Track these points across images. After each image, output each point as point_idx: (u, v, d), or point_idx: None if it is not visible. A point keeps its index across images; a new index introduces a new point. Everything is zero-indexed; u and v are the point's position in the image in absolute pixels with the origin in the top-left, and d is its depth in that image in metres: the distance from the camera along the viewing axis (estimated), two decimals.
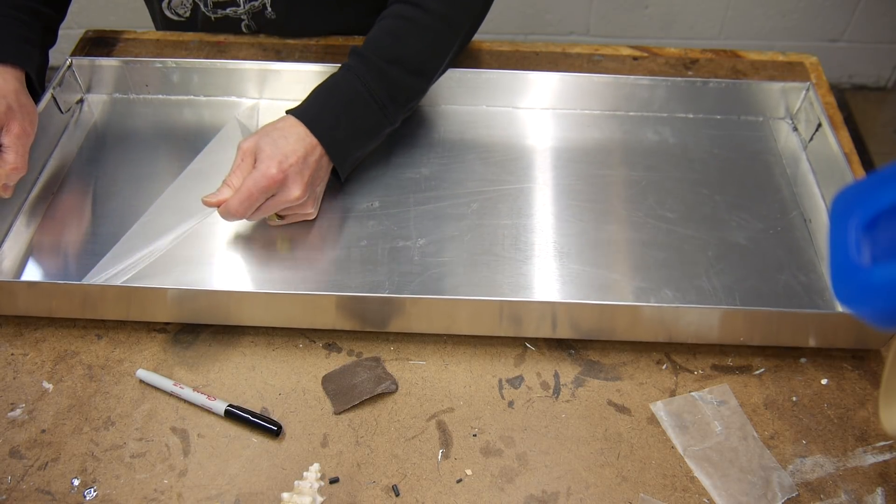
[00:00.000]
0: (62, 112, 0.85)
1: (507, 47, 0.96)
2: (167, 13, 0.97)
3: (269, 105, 0.88)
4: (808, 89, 0.84)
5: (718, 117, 0.87)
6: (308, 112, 0.73)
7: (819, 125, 0.81)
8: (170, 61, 0.87)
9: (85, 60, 0.87)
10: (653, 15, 1.91)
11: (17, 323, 0.70)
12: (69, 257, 0.73)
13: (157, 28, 1.04)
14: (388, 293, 0.69)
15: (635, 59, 0.95)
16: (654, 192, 0.79)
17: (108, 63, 0.88)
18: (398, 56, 0.74)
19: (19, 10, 0.78)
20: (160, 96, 0.89)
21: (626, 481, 0.60)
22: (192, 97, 0.89)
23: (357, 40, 0.96)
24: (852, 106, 2.09)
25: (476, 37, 0.86)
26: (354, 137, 0.75)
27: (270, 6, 0.92)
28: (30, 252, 0.74)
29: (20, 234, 0.75)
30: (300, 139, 0.71)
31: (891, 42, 2.02)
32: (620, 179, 0.81)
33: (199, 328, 0.70)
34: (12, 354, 0.68)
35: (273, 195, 0.70)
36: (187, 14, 0.96)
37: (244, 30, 0.97)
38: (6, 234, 0.75)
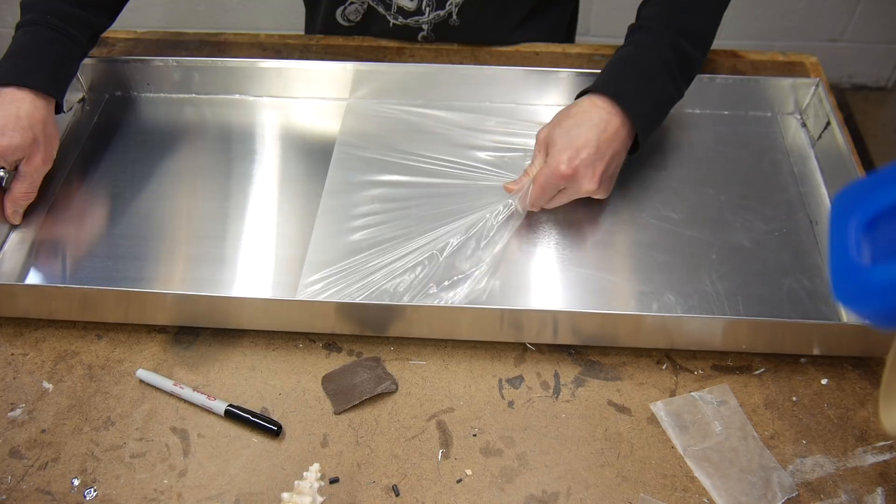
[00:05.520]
0: (64, 111, 0.85)
1: (507, 47, 0.96)
2: (339, 19, 0.96)
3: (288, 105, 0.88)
4: (817, 85, 0.84)
5: (726, 113, 0.87)
6: (611, 85, 0.71)
7: (828, 123, 0.80)
8: (171, 60, 0.87)
9: (87, 59, 0.86)
10: None
11: (18, 323, 0.70)
12: (70, 257, 0.73)
13: (310, 33, 1.02)
14: (389, 300, 0.69)
15: None
16: (659, 191, 0.79)
17: (109, 62, 0.88)
18: (686, 28, 0.74)
19: (66, 22, 0.77)
20: (161, 95, 0.89)
21: (626, 481, 0.60)
22: (193, 95, 0.89)
23: (367, 41, 0.96)
24: (852, 106, 2.08)
25: None
26: (655, 110, 0.73)
27: (456, 15, 0.92)
28: (31, 252, 0.74)
29: (21, 233, 0.75)
30: (595, 125, 0.69)
31: (891, 42, 2.02)
32: (625, 178, 0.80)
33: (200, 328, 0.70)
34: (12, 354, 0.68)
35: (564, 188, 0.70)
36: (358, 19, 0.96)
37: (420, 39, 0.96)
38: (8, 234, 0.75)
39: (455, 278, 0.70)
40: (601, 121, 0.69)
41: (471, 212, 0.75)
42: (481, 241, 0.71)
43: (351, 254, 0.72)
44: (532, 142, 0.74)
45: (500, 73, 0.86)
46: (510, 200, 0.72)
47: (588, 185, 0.69)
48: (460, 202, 0.77)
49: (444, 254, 0.71)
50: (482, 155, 0.82)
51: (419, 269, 0.70)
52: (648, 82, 0.72)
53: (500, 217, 0.72)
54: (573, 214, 0.77)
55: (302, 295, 0.69)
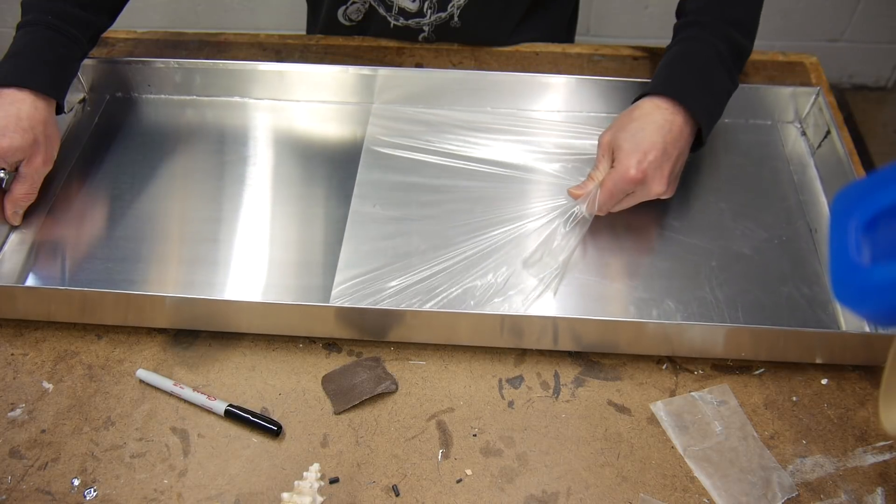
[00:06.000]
0: (64, 112, 0.85)
1: (507, 48, 0.96)
2: (341, 19, 0.96)
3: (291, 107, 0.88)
4: (817, 94, 0.83)
5: (727, 121, 0.86)
6: (670, 85, 0.71)
7: (828, 132, 0.80)
8: (172, 61, 0.87)
9: (88, 60, 0.86)
10: (653, 15, 1.91)
11: (18, 323, 0.70)
12: (70, 259, 0.73)
13: (311, 32, 1.02)
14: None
15: (635, 59, 0.95)
16: (660, 198, 0.78)
17: (110, 63, 0.88)
18: (734, 18, 0.74)
19: (66, 22, 0.76)
20: (162, 96, 0.89)
21: (626, 481, 0.60)
22: (194, 97, 0.89)
23: (367, 41, 0.96)
24: (852, 106, 2.08)
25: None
26: (715, 104, 0.74)
27: (458, 17, 0.92)
28: (31, 253, 0.74)
29: (21, 234, 0.75)
30: (660, 126, 0.69)
31: (891, 42, 2.02)
32: None
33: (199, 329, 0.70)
34: (12, 354, 0.68)
35: (633, 191, 0.70)
36: (359, 18, 0.96)
37: (420, 40, 0.96)
38: (7, 236, 0.75)
39: (522, 286, 0.70)
40: (665, 122, 0.69)
41: (531, 216, 0.75)
42: (550, 247, 0.71)
43: (393, 260, 0.72)
44: (580, 143, 0.73)
45: (552, 80, 0.85)
46: (576, 206, 0.72)
47: (657, 188, 0.69)
48: (513, 206, 0.77)
49: (516, 261, 0.71)
50: (529, 158, 0.82)
51: (490, 275, 0.70)
52: (706, 78, 0.72)
53: (570, 223, 0.72)
54: None
55: (336, 300, 0.68)
